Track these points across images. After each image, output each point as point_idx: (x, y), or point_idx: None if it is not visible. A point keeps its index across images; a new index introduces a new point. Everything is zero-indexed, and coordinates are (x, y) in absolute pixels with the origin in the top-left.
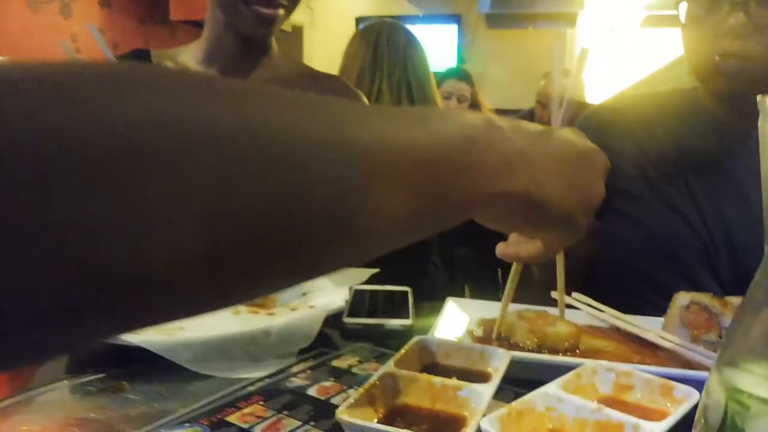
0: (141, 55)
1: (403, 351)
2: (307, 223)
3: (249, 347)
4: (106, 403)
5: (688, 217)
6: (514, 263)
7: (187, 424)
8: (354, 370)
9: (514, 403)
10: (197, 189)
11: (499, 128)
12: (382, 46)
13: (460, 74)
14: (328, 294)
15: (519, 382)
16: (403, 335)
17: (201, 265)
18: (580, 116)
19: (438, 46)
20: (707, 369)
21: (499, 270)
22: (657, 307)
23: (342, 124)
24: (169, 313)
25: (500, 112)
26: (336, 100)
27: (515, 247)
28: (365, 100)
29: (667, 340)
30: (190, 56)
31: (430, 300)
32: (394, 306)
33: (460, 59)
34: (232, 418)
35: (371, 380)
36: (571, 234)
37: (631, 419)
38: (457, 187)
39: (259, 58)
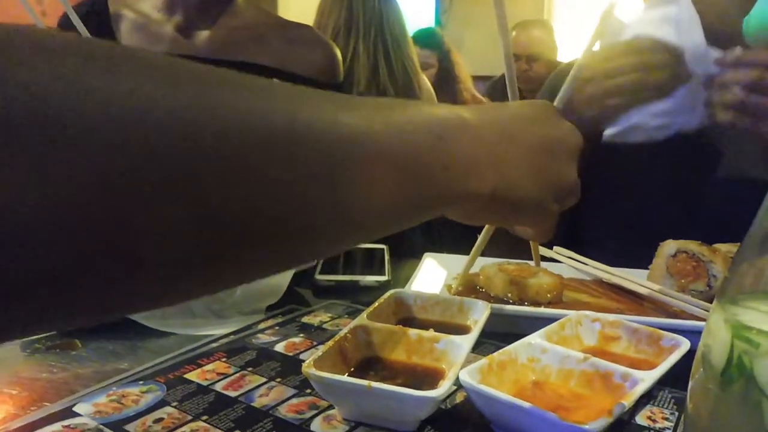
0: (98, 2)
1: (377, 304)
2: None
3: (213, 303)
4: (56, 361)
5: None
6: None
7: (141, 382)
8: (326, 326)
9: (495, 354)
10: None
11: (468, 124)
12: (356, 3)
13: (424, 40)
14: None
15: (500, 336)
16: (379, 292)
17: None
18: (551, 74)
19: (415, 12)
20: (696, 318)
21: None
22: (640, 259)
23: (291, 107)
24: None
25: (478, 78)
26: (283, 83)
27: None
28: (337, 51)
29: (654, 290)
30: (149, 4)
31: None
32: (370, 263)
33: (438, 25)
34: (192, 376)
35: (342, 333)
36: (544, 220)
37: (620, 368)
38: (419, 188)
39: (223, 4)
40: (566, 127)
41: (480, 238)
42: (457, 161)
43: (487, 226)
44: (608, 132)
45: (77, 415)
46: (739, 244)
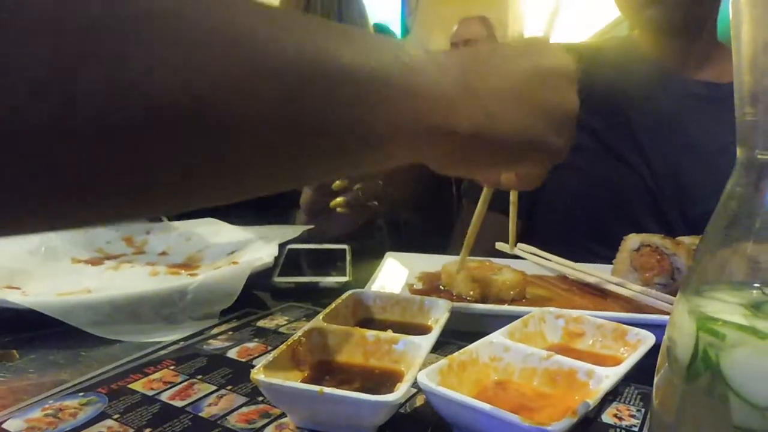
0: None
1: (334, 305)
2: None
3: (162, 308)
4: None
5: (634, 165)
6: (484, 189)
7: (81, 394)
8: (282, 329)
9: (455, 354)
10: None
11: (439, 63)
12: None
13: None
14: (256, 251)
15: (462, 335)
16: (340, 294)
17: None
18: None
19: (380, 15)
20: (661, 312)
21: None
22: (603, 259)
23: (252, 26)
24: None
25: None
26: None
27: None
28: None
29: (617, 284)
30: None
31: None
32: (331, 264)
33: (404, 28)
34: (136, 386)
35: (295, 336)
36: (542, 158)
37: (585, 365)
38: (382, 113)
39: None
40: (559, 56)
41: (478, 208)
42: (423, 91)
43: (484, 192)
44: None
45: None
46: (701, 236)
